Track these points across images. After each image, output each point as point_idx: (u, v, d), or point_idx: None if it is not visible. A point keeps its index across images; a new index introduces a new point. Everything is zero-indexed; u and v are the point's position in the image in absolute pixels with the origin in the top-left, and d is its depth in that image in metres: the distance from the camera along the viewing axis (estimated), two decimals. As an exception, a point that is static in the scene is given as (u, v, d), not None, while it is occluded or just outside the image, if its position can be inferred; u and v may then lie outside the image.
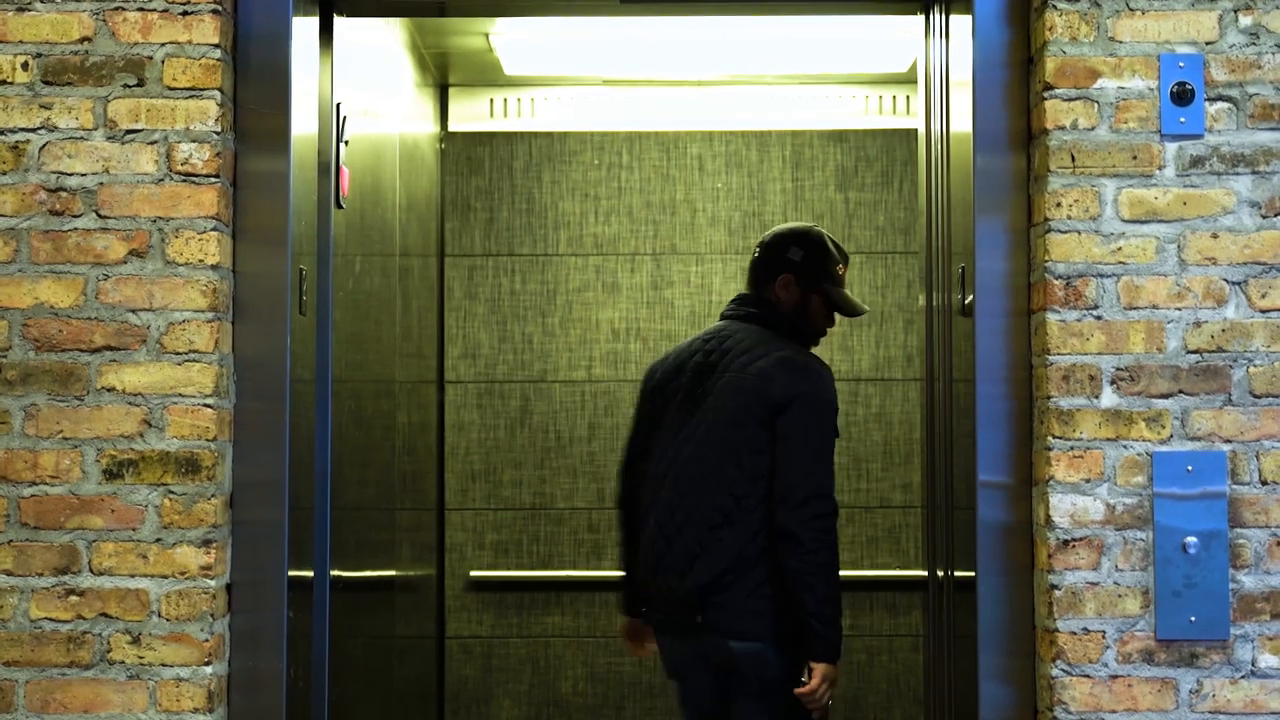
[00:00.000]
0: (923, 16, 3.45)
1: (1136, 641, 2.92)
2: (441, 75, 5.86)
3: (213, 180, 2.96)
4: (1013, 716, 3.02)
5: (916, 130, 3.68)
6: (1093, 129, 2.97)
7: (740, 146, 5.97)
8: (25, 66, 2.97)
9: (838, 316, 3.87)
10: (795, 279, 3.82)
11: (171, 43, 2.98)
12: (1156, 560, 2.92)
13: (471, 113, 5.98)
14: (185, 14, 2.97)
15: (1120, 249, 2.96)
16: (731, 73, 5.83)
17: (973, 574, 3.05)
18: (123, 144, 2.97)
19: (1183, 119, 2.96)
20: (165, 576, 2.93)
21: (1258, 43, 2.98)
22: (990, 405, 3.04)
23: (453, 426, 5.94)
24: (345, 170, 3.50)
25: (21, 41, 2.98)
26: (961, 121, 3.21)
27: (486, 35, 5.33)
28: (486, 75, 5.84)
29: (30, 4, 2.98)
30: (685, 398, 3.78)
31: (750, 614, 3.59)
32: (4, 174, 2.96)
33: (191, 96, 2.97)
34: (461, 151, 5.99)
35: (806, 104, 5.91)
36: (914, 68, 4.80)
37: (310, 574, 3.26)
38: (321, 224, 3.34)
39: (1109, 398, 2.95)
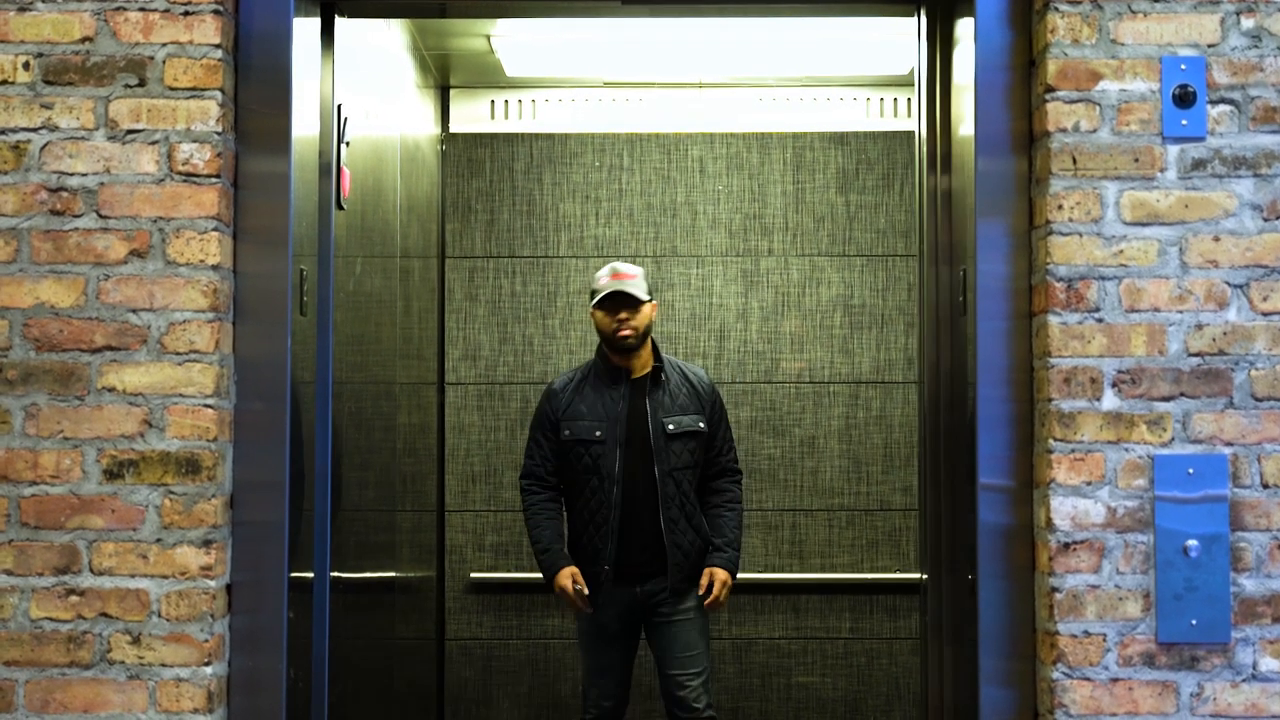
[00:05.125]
0: (925, 19, 3.43)
1: (1137, 645, 2.92)
2: (443, 77, 5.86)
3: (213, 181, 2.96)
4: (1013, 719, 3.01)
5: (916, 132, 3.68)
6: (1094, 131, 2.97)
7: (741, 149, 5.97)
8: (26, 66, 2.97)
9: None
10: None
11: (173, 43, 2.97)
12: (1157, 563, 2.92)
13: (472, 114, 5.99)
14: (186, 14, 2.97)
15: (1122, 251, 2.96)
16: (732, 75, 5.84)
17: (973, 577, 3.05)
18: (124, 144, 2.97)
19: (1184, 121, 2.96)
20: (165, 577, 2.92)
21: (1259, 45, 2.98)
22: (991, 408, 3.04)
23: (453, 428, 5.94)
24: (346, 171, 3.50)
25: (23, 41, 2.98)
26: (963, 124, 3.21)
27: (488, 37, 5.33)
28: (487, 77, 5.84)
29: (32, 4, 2.98)
30: None
31: None
32: (5, 174, 2.96)
33: (192, 97, 2.97)
34: (462, 153, 5.99)
35: (807, 106, 5.91)
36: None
37: (310, 575, 3.26)
38: (322, 225, 3.34)
39: (1110, 400, 2.95)
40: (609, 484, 4.76)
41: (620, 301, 4.76)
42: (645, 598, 4.80)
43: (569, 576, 4.73)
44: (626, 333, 4.76)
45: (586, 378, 4.90)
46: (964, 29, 3.18)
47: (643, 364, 4.87)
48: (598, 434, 4.79)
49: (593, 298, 4.85)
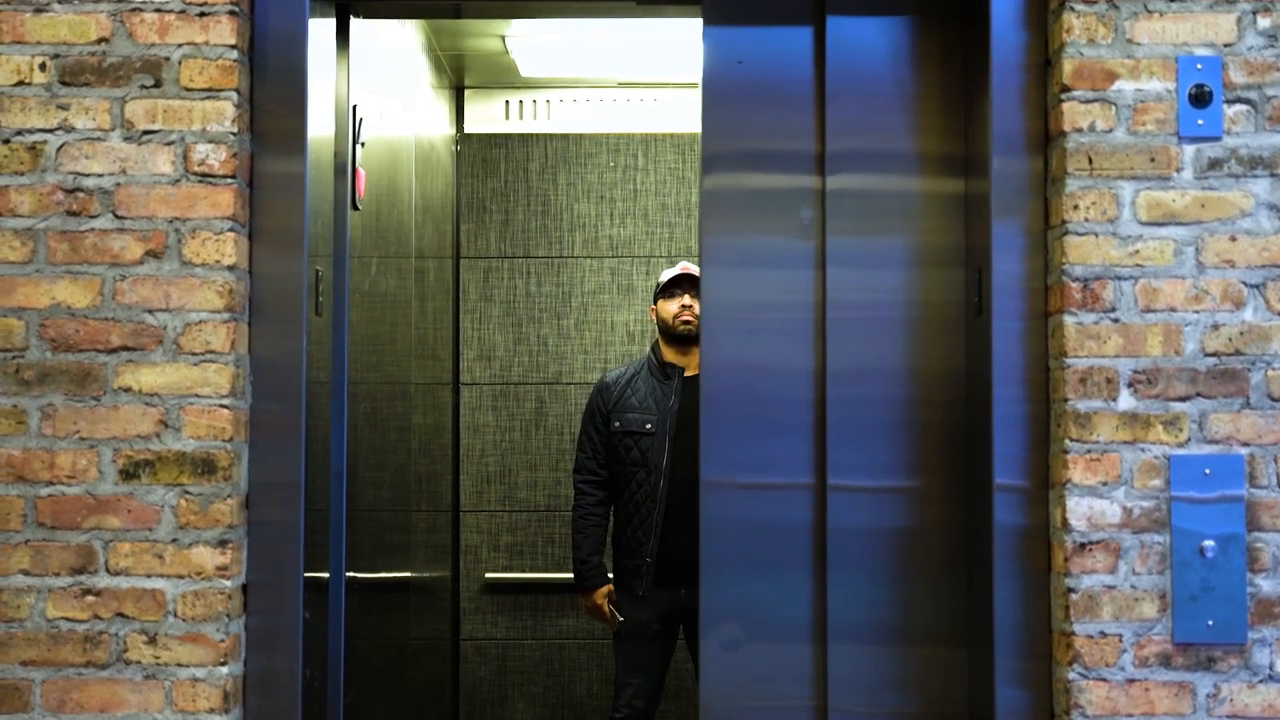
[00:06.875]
0: (704, 20, 3.29)
1: (1153, 645, 2.91)
2: (457, 77, 5.87)
3: (229, 181, 2.97)
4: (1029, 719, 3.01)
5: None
6: (1110, 131, 2.97)
7: (756, 149, 5.95)
8: (43, 67, 2.98)
9: (691, 309, 4.91)
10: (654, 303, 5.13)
11: (188, 44, 2.98)
12: (1174, 564, 2.91)
13: (487, 114, 5.99)
14: (202, 15, 2.98)
15: (1138, 251, 2.95)
16: (747, 75, 5.82)
17: (989, 577, 3.04)
18: (140, 145, 2.98)
19: (1201, 121, 2.96)
20: (181, 577, 2.93)
21: (1276, 44, 2.97)
22: (1007, 408, 3.03)
23: (468, 428, 5.94)
24: (361, 172, 3.51)
25: (39, 42, 2.99)
26: (980, 124, 3.20)
27: (502, 37, 5.34)
28: (502, 77, 5.85)
29: (48, 5, 2.99)
30: None
31: None
32: (21, 174, 2.97)
33: (208, 97, 2.98)
34: (477, 153, 5.99)
35: (822, 106, 5.89)
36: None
37: (326, 575, 3.26)
38: (337, 225, 3.34)
39: (1126, 400, 2.94)
40: (655, 477, 4.85)
41: (686, 284, 4.89)
42: (690, 601, 4.80)
43: (604, 596, 4.90)
44: (688, 318, 4.88)
45: (639, 373, 5.03)
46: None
47: (697, 362, 4.86)
48: (648, 426, 4.90)
49: (658, 291, 5.01)
